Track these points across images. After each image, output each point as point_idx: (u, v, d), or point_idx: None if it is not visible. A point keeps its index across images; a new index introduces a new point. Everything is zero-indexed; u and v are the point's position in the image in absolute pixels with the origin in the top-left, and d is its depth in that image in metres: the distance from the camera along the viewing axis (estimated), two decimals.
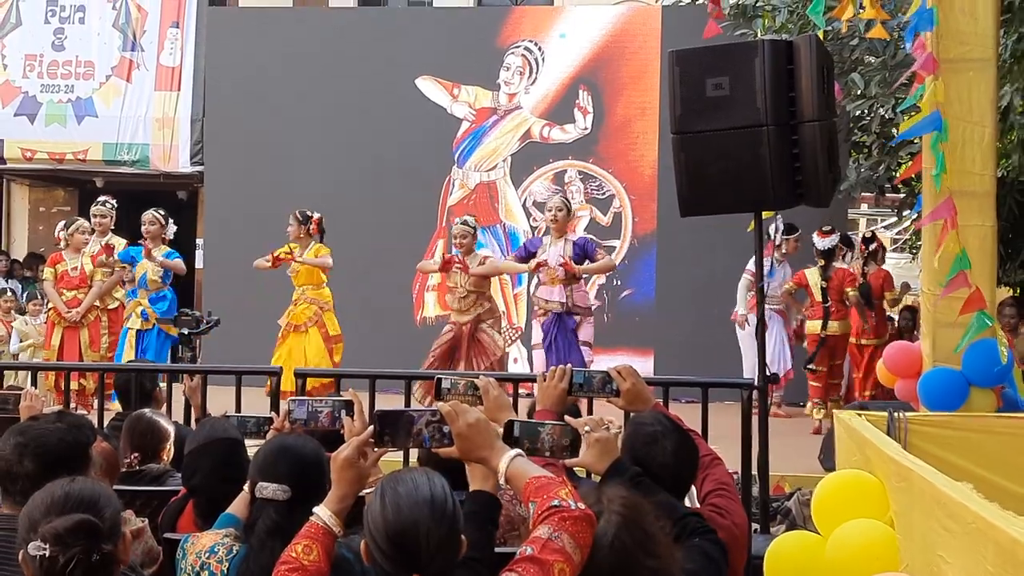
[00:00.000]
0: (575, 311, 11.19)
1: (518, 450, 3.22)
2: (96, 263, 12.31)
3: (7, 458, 3.83)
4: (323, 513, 3.23)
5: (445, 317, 14.81)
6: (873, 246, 13.11)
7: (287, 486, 3.61)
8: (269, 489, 3.61)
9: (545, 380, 4.14)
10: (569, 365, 4.15)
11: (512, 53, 15.22)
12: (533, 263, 11.34)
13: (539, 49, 15.20)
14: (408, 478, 3.02)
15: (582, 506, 2.96)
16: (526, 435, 3.38)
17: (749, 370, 11.81)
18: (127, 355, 11.83)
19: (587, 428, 3.58)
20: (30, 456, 3.81)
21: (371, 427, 3.28)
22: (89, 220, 12.52)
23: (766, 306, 12.72)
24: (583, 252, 11.24)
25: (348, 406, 3.78)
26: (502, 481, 3.18)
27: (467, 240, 11.55)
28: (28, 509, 3.07)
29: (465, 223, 11.68)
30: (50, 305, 12.51)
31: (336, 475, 3.25)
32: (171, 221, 12.33)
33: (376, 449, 3.29)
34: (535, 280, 11.64)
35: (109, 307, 12.46)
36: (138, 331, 12.08)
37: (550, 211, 11.37)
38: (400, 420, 3.27)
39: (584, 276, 11.56)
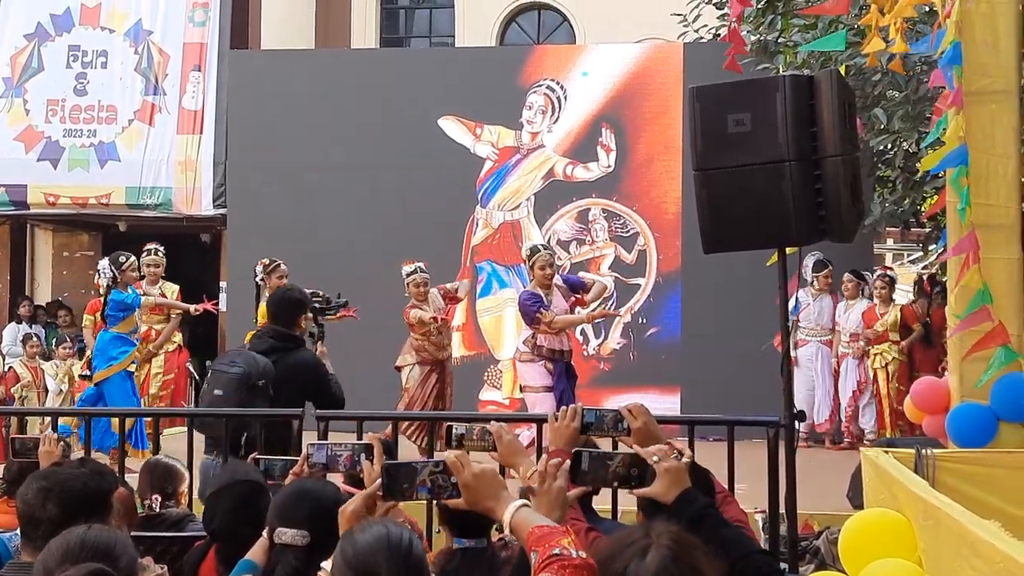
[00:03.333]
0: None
1: (523, 500, 3.18)
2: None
3: (30, 503, 3.82)
4: (330, 567, 3.20)
5: (472, 357, 14.86)
6: (938, 288, 13.19)
7: (306, 531, 3.58)
8: (288, 534, 3.58)
9: (556, 420, 4.11)
10: (580, 404, 4.10)
11: (534, 92, 15.22)
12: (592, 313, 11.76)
13: (561, 88, 15.19)
14: (369, 524, 3.02)
15: (583, 555, 2.93)
16: (594, 466, 3.36)
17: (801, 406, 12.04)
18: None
19: (656, 458, 3.53)
20: (54, 501, 3.80)
21: (379, 480, 3.25)
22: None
23: (815, 340, 13.21)
24: (574, 287, 11.32)
25: (368, 450, 3.76)
26: (507, 531, 3.15)
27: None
28: (43, 557, 3.06)
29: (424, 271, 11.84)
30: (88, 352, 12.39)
31: (344, 529, 3.23)
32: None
33: (385, 501, 3.27)
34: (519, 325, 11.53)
35: (167, 349, 12.53)
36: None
37: (543, 269, 11.01)
38: (404, 471, 3.24)
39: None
